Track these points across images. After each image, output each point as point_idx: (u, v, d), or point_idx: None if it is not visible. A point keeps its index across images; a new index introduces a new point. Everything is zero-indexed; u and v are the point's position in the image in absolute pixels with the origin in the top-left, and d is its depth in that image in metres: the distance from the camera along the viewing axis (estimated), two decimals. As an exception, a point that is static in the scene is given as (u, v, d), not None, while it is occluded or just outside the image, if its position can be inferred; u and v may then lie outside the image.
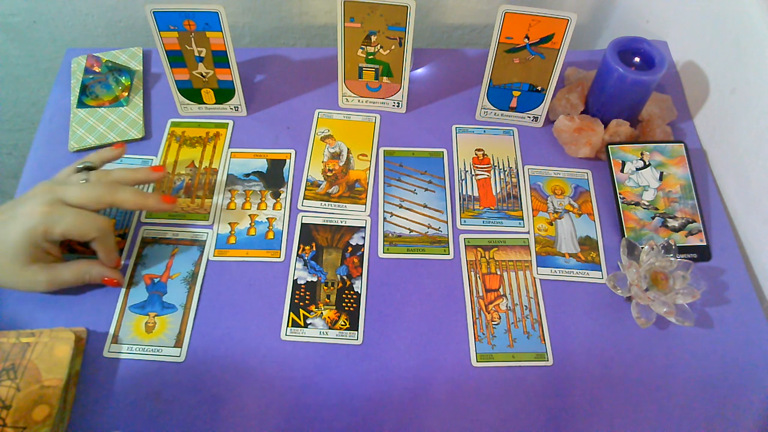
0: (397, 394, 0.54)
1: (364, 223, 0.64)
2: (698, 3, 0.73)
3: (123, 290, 0.59)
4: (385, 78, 0.70)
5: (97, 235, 0.54)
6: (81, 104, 0.71)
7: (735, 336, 0.58)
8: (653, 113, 0.70)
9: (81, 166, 0.57)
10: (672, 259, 0.59)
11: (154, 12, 0.62)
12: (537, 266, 0.62)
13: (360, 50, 0.68)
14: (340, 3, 0.63)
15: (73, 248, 0.61)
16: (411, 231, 0.64)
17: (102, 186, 0.54)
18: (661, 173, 0.66)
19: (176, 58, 0.66)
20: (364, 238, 0.63)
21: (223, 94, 0.70)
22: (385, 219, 0.65)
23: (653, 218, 0.64)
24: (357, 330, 0.58)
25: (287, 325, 0.58)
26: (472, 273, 0.61)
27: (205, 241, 0.62)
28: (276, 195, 0.66)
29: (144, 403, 0.53)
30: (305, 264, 0.62)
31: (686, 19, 0.76)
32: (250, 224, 0.64)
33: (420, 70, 0.78)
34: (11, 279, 0.53)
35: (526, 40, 0.64)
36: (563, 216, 0.66)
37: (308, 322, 0.58)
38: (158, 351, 0.56)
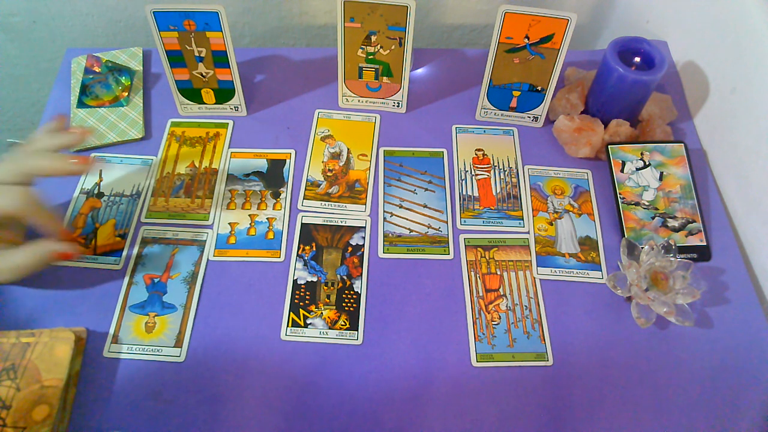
0: (398, 394, 0.54)
1: (364, 223, 0.64)
2: (698, 3, 0.73)
3: (123, 290, 0.59)
4: (385, 78, 0.70)
5: (18, 208, 0.49)
6: (81, 104, 0.71)
7: (735, 336, 0.58)
8: (653, 113, 0.70)
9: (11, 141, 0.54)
10: (672, 259, 0.59)
11: (154, 12, 0.62)
12: (537, 266, 0.62)
13: (360, 50, 0.68)
14: (340, 3, 0.63)
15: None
16: (411, 231, 0.64)
17: (15, 158, 0.51)
18: (661, 173, 0.66)
19: (176, 58, 0.66)
20: (364, 238, 0.63)
21: (223, 94, 0.70)
22: (385, 219, 0.65)
23: (653, 218, 0.64)
24: (357, 330, 0.58)
25: (287, 325, 0.58)
26: (472, 273, 0.61)
27: (205, 241, 0.62)
28: (276, 195, 0.66)
29: (144, 403, 0.53)
30: (305, 264, 0.61)
31: (686, 19, 0.76)
32: (250, 224, 0.64)
33: (420, 70, 0.78)
34: None
35: (526, 40, 0.64)
36: (563, 216, 0.66)
37: (308, 322, 0.58)
38: (158, 351, 0.56)
